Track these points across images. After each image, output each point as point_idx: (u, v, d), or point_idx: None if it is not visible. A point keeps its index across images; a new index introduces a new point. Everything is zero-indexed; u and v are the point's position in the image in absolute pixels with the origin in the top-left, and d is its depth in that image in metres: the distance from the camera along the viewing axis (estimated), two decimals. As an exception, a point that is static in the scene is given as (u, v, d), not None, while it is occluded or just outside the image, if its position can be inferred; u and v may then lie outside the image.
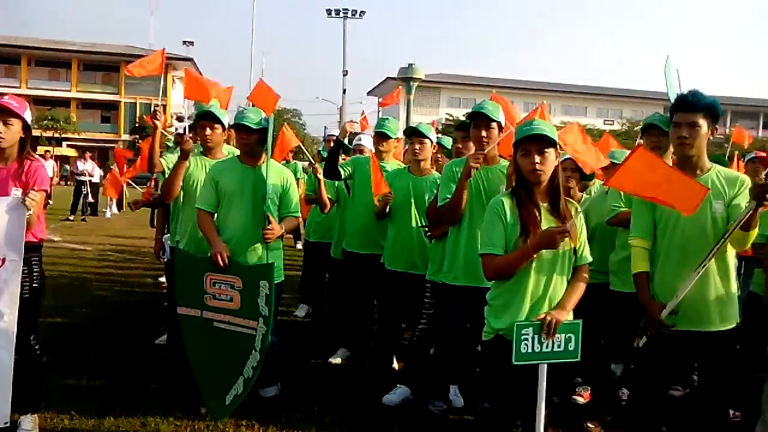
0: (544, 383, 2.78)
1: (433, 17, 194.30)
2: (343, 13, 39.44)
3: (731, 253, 3.23)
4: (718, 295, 3.18)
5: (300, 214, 4.40)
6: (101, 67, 55.06)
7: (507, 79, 59.34)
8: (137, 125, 45.89)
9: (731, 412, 4.38)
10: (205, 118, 4.42)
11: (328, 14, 39.94)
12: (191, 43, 57.19)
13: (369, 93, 62.43)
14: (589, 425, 4.16)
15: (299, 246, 10.22)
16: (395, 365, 5.00)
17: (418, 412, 4.25)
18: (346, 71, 39.11)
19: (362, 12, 40.26)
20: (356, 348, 5.28)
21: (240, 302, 3.87)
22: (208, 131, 4.41)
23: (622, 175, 2.79)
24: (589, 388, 4.57)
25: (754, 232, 3.06)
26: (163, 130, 5.13)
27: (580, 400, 4.55)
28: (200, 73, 55.22)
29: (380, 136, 5.14)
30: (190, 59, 53.06)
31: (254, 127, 4.02)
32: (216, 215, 4.08)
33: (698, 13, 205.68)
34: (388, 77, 51.01)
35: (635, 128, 41.82)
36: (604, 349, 4.32)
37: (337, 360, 5.28)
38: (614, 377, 4.35)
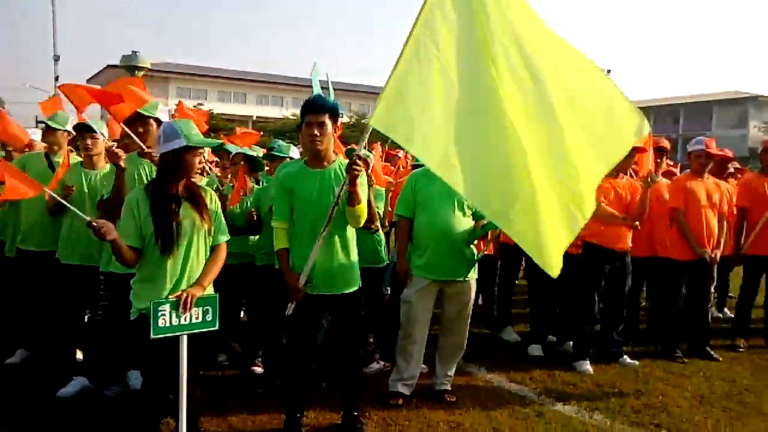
0: (185, 351, 3.15)
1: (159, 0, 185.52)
2: (51, -9, 35.99)
3: (351, 229, 3.92)
4: (342, 264, 3.86)
5: None
6: None
7: (237, 71, 59.33)
8: None
9: (382, 363, 5.25)
10: None
11: (33, -8, 36.17)
12: None
13: (89, 81, 57.87)
14: (259, 390, 4.67)
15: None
16: (79, 356, 5.02)
17: (93, 398, 4.38)
18: (58, 56, 35.80)
19: (74, -8, 37.13)
20: (36, 346, 5.17)
21: None
22: None
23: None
24: (266, 359, 5.09)
25: (360, 207, 3.73)
26: None
27: (258, 370, 5.04)
28: None
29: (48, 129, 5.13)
30: None
31: None
32: None
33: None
34: (109, 65, 47.83)
35: (362, 120, 44.77)
36: (273, 320, 4.82)
37: (14, 360, 5.13)
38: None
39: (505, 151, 3.30)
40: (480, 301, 6.88)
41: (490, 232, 4.60)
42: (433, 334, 4.77)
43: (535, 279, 6.26)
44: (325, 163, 3.86)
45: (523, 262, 6.87)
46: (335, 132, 3.91)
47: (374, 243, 5.19)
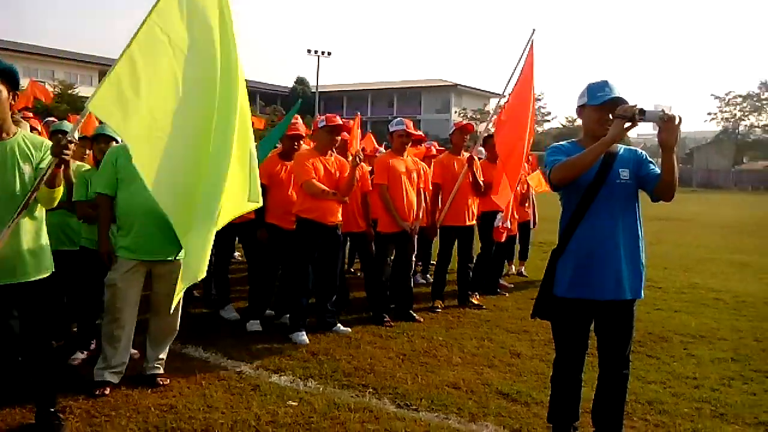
0: None
1: None
2: None
3: (39, 211, 3.54)
4: (30, 248, 3.47)
5: None
6: None
7: None
8: None
9: (86, 352, 4.88)
10: None
11: None
12: None
13: None
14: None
15: None
16: None
17: None
18: None
19: None
20: None
21: None
22: None
23: None
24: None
25: (59, 190, 3.42)
26: None
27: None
28: None
29: None
30: None
31: None
32: None
33: None
34: None
35: (69, 91, 40.56)
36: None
37: None
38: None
39: (193, 160, 3.56)
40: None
41: None
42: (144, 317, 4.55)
43: (253, 255, 6.31)
44: (5, 135, 3.42)
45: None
46: (13, 100, 3.44)
47: (79, 224, 4.80)
